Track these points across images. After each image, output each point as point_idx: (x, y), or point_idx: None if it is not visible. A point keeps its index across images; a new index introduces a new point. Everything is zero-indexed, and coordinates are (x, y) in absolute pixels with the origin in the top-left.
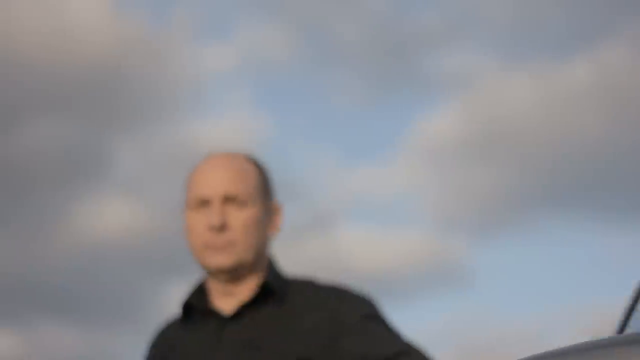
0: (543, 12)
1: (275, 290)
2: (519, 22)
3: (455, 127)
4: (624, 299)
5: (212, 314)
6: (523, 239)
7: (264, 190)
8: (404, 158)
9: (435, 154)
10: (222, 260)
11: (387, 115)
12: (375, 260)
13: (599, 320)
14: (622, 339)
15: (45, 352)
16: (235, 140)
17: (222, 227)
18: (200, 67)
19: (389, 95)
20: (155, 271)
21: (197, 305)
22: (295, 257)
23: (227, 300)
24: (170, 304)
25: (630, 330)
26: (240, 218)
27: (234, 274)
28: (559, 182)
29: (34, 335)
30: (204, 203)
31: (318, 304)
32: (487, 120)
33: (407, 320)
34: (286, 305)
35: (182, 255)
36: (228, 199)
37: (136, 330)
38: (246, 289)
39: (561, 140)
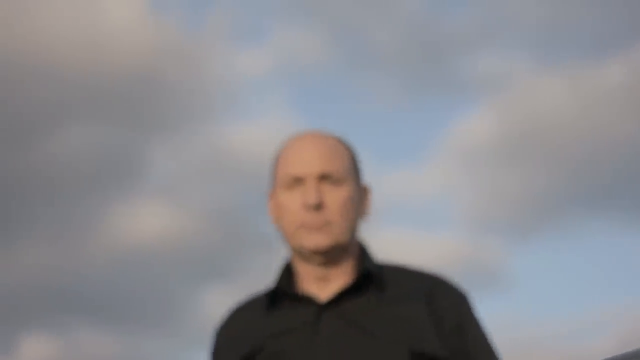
0: (577, 13)
1: (375, 276)
2: (553, 24)
3: (490, 129)
4: None
5: (303, 300)
6: (559, 240)
7: (355, 170)
8: (438, 161)
9: (470, 156)
10: (319, 240)
11: (421, 118)
12: (410, 263)
13: (635, 322)
14: None
15: (82, 357)
16: (271, 144)
17: (318, 206)
18: (235, 71)
19: (424, 97)
20: (190, 276)
21: (287, 290)
22: None
23: (320, 286)
24: (205, 308)
25: None
26: (336, 197)
27: (328, 256)
28: (595, 183)
29: (71, 340)
30: (298, 182)
31: (418, 294)
32: (522, 121)
33: None
34: (386, 293)
35: (217, 260)
36: (323, 178)
37: (171, 335)
38: (341, 274)
39: (596, 141)
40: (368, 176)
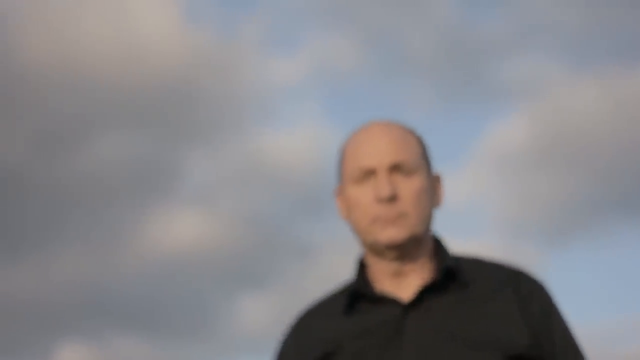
0: (611, 18)
1: (457, 272)
2: (587, 29)
3: (524, 134)
4: None
5: (383, 300)
6: (592, 245)
7: (426, 159)
8: (473, 166)
9: (504, 162)
10: (395, 233)
11: (455, 123)
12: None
13: None
14: None
15: None
16: (305, 151)
17: (392, 198)
18: (269, 79)
19: (458, 103)
20: (226, 283)
21: (365, 291)
22: None
23: (395, 282)
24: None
25: None
26: (409, 188)
27: (404, 251)
28: (628, 188)
29: (107, 347)
30: (368, 175)
31: (503, 288)
32: (555, 126)
33: None
34: (470, 289)
35: (251, 268)
36: (394, 169)
37: (206, 342)
38: (418, 269)
39: (629, 146)
40: None
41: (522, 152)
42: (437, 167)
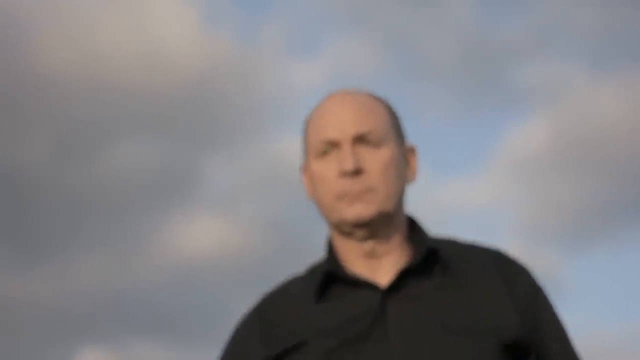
0: (631, 20)
1: (439, 254)
2: (606, 32)
3: (544, 138)
4: None
5: (358, 284)
6: (613, 250)
7: (396, 130)
8: (492, 170)
9: (524, 166)
10: (361, 210)
11: (475, 127)
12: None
13: None
14: None
15: None
16: None
17: (357, 172)
18: (289, 83)
19: (477, 107)
20: (246, 289)
21: (338, 273)
22: None
23: (369, 265)
24: None
25: None
26: (376, 160)
27: (373, 229)
28: None
29: (127, 353)
30: (331, 147)
31: (488, 271)
32: (576, 130)
33: None
34: (452, 272)
35: (271, 272)
36: (359, 140)
37: None
38: (392, 250)
39: None
40: (422, 187)
41: (541, 156)
42: (456, 172)
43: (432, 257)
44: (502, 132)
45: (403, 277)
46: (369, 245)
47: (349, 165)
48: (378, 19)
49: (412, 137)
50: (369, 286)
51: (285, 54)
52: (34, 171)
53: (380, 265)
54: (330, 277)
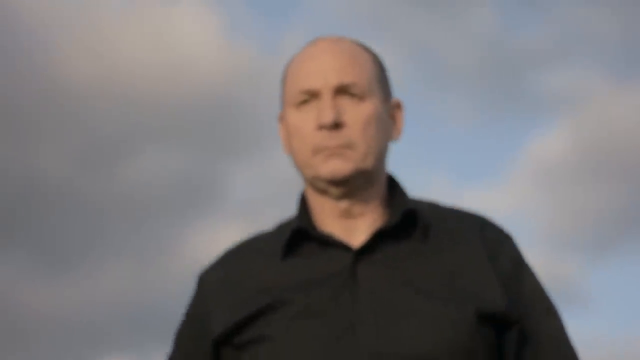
0: None
1: (419, 217)
2: (628, 39)
3: (566, 146)
4: None
5: (330, 243)
6: (636, 258)
7: (382, 83)
8: (515, 179)
9: (547, 174)
10: (338, 166)
11: (496, 136)
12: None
13: None
14: None
15: None
16: None
17: (336, 125)
18: None
19: (499, 115)
20: None
21: (309, 231)
22: None
23: (344, 225)
24: None
25: None
26: (358, 114)
27: (350, 188)
28: None
29: None
30: (311, 97)
31: (470, 237)
32: (598, 138)
33: None
34: (432, 236)
35: None
36: (341, 91)
37: None
38: (369, 211)
39: None
40: (445, 196)
41: (564, 164)
42: (480, 181)
43: (410, 220)
44: (524, 141)
45: (378, 239)
46: (344, 204)
47: (328, 118)
48: (399, 29)
49: (434, 145)
50: (341, 246)
51: None
52: (58, 181)
53: (355, 226)
54: (300, 234)
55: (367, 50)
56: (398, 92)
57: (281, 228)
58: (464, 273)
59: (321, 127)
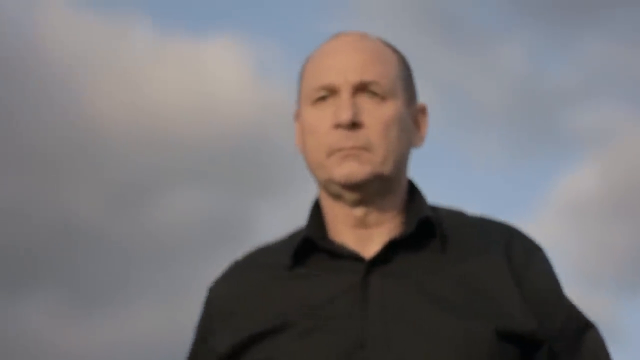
0: None
1: (436, 226)
2: None
3: (596, 183)
4: None
5: (341, 255)
6: None
7: (407, 84)
8: (544, 217)
9: (575, 211)
10: (354, 168)
11: (526, 174)
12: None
13: None
14: None
15: None
16: None
17: (353, 125)
18: None
19: (528, 154)
20: None
21: (317, 242)
22: None
23: (358, 235)
24: None
25: None
26: (378, 115)
27: (366, 194)
28: None
29: None
30: (328, 94)
31: (494, 249)
32: (627, 175)
33: None
34: (452, 247)
35: None
36: (362, 89)
37: None
38: (386, 220)
39: None
40: None
41: (593, 201)
42: (509, 218)
43: (428, 229)
44: (553, 178)
45: (392, 250)
46: (359, 211)
47: (346, 116)
48: (427, 68)
49: (464, 183)
50: (353, 258)
51: None
52: (86, 222)
53: (370, 237)
54: (309, 244)
55: (393, 49)
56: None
57: (292, 237)
58: (484, 287)
59: (337, 126)
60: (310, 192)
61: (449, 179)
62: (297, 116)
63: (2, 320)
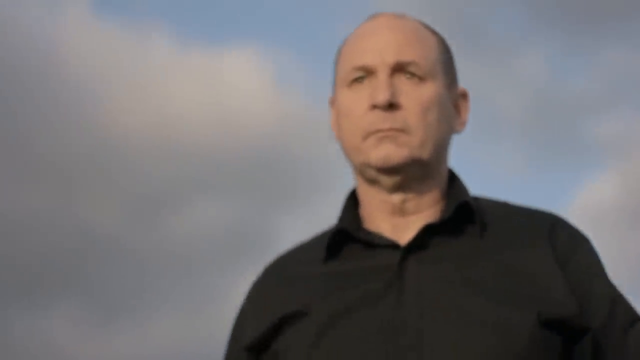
0: None
1: (475, 212)
2: None
3: (618, 192)
4: None
5: (376, 244)
6: None
7: (447, 67)
8: None
9: (597, 220)
10: (391, 151)
11: (547, 184)
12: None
13: None
14: None
15: None
16: None
17: (391, 105)
18: None
19: (549, 164)
20: None
21: (352, 232)
22: None
23: (396, 224)
24: None
25: None
26: (417, 96)
27: (404, 178)
28: None
29: None
30: (365, 75)
31: (537, 236)
32: None
33: None
34: (491, 233)
35: None
36: (399, 70)
37: None
38: (425, 208)
39: None
40: None
41: (615, 210)
42: None
43: (467, 215)
44: (574, 187)
45: (429, 236)
46: (397, 198)
47: (383, 96)
48: None
49: (484, 193)
50: (388, 246)
51: None
52: (107, 233)
53: (407, 225)
54: (342, 236)
55: (432, 30)
56: None
57: (325, 234)
58: (526, 273)
59: (374, 108)
60: (330, 203)
61: (470, 189)
62: (333, 102)
63: (24, 331)
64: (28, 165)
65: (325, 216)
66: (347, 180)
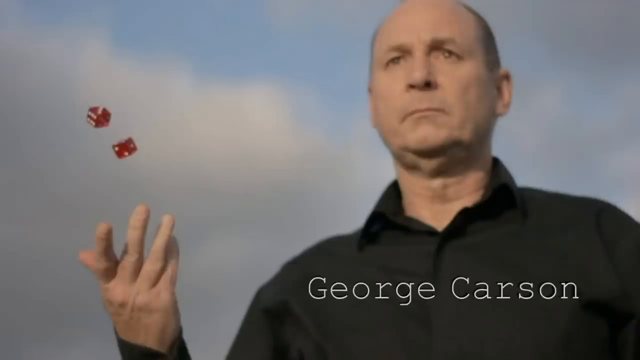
0: None
1: (516, 195)
2: None
3: None
4: None
5: (413, 230)
6: None
7: (487, 46)
8: None
9: None
10: (430, 131)
11: None
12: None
13: None
14: None
15: None
16: None
17: (428, 84)
18: (380, 177)
19: None
20: None
21: (389, 216)
22: None
23: (437, 211)
24: None
25: None
26: (455, 75)
27: (444, 161)
28: None
29: None
30: (401, 55)
31: (583, 221)
32: None
33: None
34: (532, 218)
35: None
36: (436, 48)
37: None
38: (466, 194)
39: None
40: None
41: None
42: None
43: (508, 200)
44: None
45: (468, 222)
46: (437, 183)
47: (419, 75)
48: None
49: None
50: (427, 232)
51: (376, 151)
52: None
53: (448, 212)
54: (381, 221)
55: (471, 10)
56: None
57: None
58: (569, 258)
59: (411, 87)
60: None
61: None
62: (370, 89)
63: None
64: (47, 203)
65: None
66: (365, 217)
